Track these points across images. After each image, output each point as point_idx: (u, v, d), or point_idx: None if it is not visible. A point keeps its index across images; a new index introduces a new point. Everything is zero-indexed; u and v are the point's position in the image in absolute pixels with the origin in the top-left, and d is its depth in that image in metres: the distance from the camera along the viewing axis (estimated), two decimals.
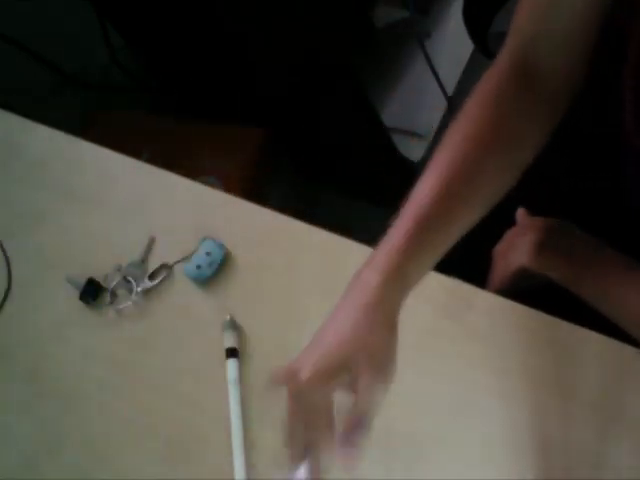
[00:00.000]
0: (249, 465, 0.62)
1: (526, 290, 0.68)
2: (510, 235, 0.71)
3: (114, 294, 0.71)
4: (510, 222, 0.74)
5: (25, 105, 0.91)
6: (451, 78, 1.55)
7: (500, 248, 0.72)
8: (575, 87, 0.58)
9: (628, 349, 0.62)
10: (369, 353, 0.46)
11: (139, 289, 0.70)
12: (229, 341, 0.66)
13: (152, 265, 0.72)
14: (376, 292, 0.48)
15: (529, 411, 0.61)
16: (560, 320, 0.64)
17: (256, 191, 1.27)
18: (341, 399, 0.47)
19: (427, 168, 0.53)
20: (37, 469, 0.65)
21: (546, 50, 0.56)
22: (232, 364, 0.65)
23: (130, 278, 0.71)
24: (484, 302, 0.67)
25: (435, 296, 0.67)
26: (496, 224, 0.73)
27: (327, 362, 0.46)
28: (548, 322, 0.65)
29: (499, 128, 0.54)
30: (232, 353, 0.66)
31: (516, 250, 0.68)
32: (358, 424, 0.46)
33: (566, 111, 0.59)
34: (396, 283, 0.49)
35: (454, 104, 1.52)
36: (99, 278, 0.72)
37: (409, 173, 1.40)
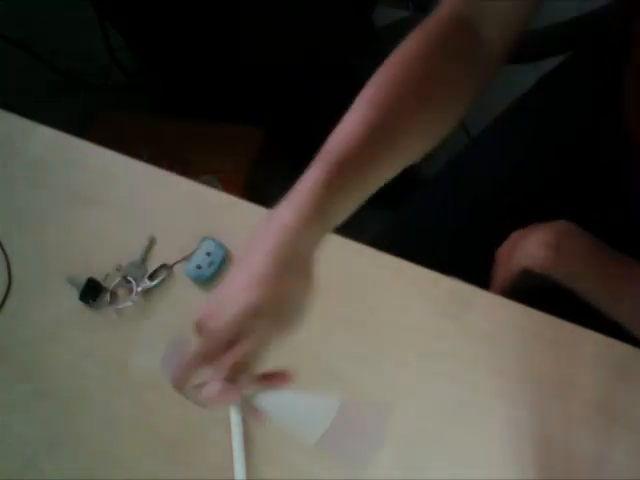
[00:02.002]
0: (249, 465, 0.62)
1: (526, 290, 0.68)
2: (514, 237, 0.71)
3: (114, 294, 0.71)
4: (511, 223, 0.74)
5: (25, 105, 0.91)
6: None
7: (503, 249, 0.72)
8: (507, 54, 0.58)
9: (628, 349, 0.62)
10: (275, 304, 0.45)
11: (139, 289, 0.70)
12: None
13: (152, 265, 0.72)
14: (291, 235, 0.45)
15: (529, 411, 0.61)
16: (560, 320, 0.64)
17: (256, 191, 1.27)
18: None
19: (353, 104, 0.52)
20: (37, 469, 0.65)
21: (487, 14, 0.56)
22: None
23: (130, 278, 0.71)
24: (484, 302, 0.66)
25: (435, 296, 0.67)
26: (497, 225, 0.73)
27: (233, 316, 0.45)
28: (548, 322, 0.65)
29: (431, 75, 0.53)
30: None
31: (519, 251, 0.68)
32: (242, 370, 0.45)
33: (494, 77, 0.58)
34: (313, 225, 0.46)
35: None
36: (99, 278, 0.72)
37: (409, 173, 1.39)
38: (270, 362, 0.66)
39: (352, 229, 0.71)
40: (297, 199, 0.47)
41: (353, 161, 0.48)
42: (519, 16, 0.57)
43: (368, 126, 0.50)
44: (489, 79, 0.58)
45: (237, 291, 0.46)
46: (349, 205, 0.49)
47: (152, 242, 0.73)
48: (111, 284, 0.71)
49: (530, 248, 0.66)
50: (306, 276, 0.47)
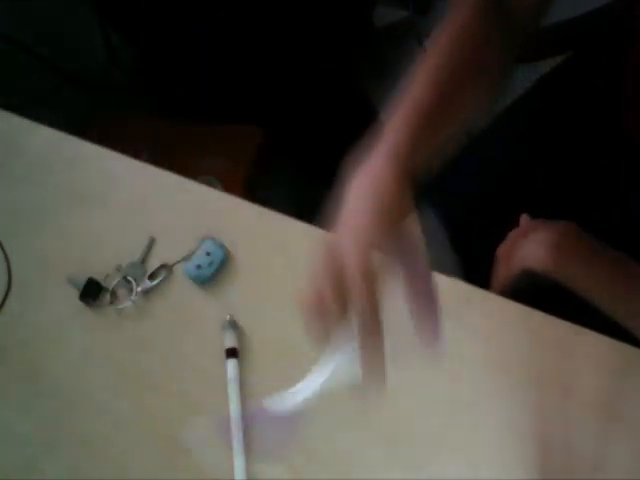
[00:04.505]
0: (249, 465, 0.62)
1: (526, 290, 0.68)
2: (513, 236, 0.71)
3: (114, 294, 0.71)
4: (511, 223, 0.74)
5: (25, 105, 0.91)
6: None
7: (503, 250, 0.72)
8: (537, 24, 0.61)
9: (628, 349, 0.62)
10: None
11: (139, 289, 0.70)
12: (229, 341, 0.66)
13: (152, 265, 0.72)
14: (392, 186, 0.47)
15: (529, 411, 0.61)
16: (560, 320, 0.64)
17: (256, 191, 1.27)
18: None
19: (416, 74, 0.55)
20: (36, 469, 0.65)
21: None
22: (232, 364, 0.65)
23: (130, 278, 0.71)
24: (484, 302, 0.67)
25: None
26: (496, 225, 0.73)
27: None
28: (548, 322, 0.65)
29: (473, 47, 0.56)
30: (232, 353, 0.66)
31: (520, 252, 0.67)
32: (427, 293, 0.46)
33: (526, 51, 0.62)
34: (408, 178, 0.49)
35: None
36: (99, 278, 0.72)
37: None
38: (266, 366, 0.67)
39: None
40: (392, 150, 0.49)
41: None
42: None
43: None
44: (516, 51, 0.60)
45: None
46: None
47: (152, 242, 0.73)
48: (111, 284, 0.71)
49: (531, 248, 0.66)
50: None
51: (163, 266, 0.72)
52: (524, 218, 0.74)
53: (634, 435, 0.59)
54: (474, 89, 0.57)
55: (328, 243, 0.46)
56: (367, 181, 0.48)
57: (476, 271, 0.71)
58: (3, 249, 0.75)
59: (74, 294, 0.71)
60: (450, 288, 0.67)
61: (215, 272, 0.70)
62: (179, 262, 0.72)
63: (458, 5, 0.59)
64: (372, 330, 0.45)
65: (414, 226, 0.48)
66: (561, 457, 0.59)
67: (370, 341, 0.45)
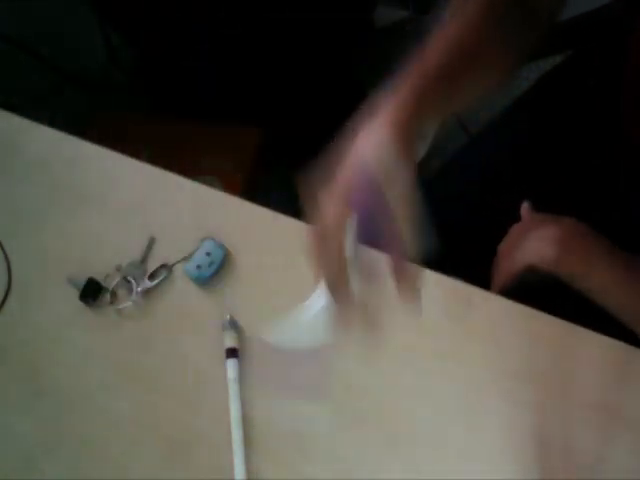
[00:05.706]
0: (249, 465, 0.62)
1: (528, 287, 0.68)
2: (514, 233, 0.71)
3: (114, 294, 0.71)
4: (511, 221, 0.74)
5: (25, 105, 0.91)
6: None
7: (504, 246, 0.72)
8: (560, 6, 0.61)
9: (628, 349, 0.62)
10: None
11: (139, 289, 0.70)
12: (229, 341, 0.66)
13: (152, 265, 0.72)
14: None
15: (529, 411, 0.61)
16: (560, 320, 0.64)
17: (256, 191, 1.27)
18: None
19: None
20: (36, 469, 0.65)
21: None
22: (232, 364, 0.65)
23: (130, 278, 0.71)
24: (484, 302, 0.67)
25: (435, 296, 0.67)
26: (497, 223, 0.73)
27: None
28: (548, 322, 0.65)
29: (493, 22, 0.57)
30: (232, 353, 0.66)
31: (522, 248, 0.67)
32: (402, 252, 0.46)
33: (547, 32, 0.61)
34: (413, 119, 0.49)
35: None
36: (99, 278, 0.72)
37: None
38: (266, 366, 0.66)
39: None
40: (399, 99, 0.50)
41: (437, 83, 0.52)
42: None
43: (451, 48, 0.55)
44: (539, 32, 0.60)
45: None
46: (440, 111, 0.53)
47: (152, 242, 0.73)
48: (111, 284, 0.71)
49: (537, 244, 0.65)
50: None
51: (163, 266, 0.72)
52: (525, 208, 0.74)
53: (634, 435, 0.59)
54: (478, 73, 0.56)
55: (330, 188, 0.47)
56: (368, 147, 0.48)
57: (476, 271, 0.71)
58: (3, 249, 0.75)
59: (74, 294, 0.71)
60: (450, 288, 0.67)
61: (215, 272, 0.70)
62: (179, 262, 0.72)
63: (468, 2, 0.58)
64: (339, 283, 0.46)
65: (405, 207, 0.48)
66: (561, 457, 0.59)
67: (338, 295, 0.47)
